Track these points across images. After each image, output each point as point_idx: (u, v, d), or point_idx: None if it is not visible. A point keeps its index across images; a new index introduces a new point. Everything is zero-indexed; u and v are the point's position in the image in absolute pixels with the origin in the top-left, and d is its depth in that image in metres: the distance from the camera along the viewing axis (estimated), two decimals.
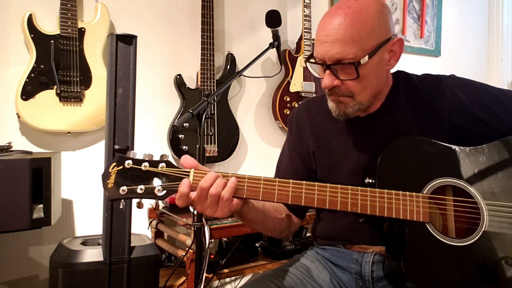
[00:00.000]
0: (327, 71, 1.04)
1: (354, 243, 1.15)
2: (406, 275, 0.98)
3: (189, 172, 0.92)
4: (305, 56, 2.41)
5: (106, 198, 1.06)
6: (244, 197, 0.93)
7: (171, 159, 2.24)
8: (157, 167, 0.91)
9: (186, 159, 0.94)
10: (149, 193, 0.89)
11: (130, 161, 0.91)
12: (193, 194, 0.90)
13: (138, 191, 0.89)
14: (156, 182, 0.90)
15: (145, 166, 0.90)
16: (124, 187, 0.89)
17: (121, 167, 0.90)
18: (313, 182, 0.96)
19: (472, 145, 1.06)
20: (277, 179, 0.95)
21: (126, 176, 0.90)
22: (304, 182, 0.96)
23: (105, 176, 0.91)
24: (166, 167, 0.91)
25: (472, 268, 0.99)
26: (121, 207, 0.93)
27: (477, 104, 1.09)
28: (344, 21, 1.00)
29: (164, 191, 0.90)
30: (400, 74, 1.18)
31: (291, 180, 0.96)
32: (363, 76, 1.03)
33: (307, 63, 1.15)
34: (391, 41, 1.06)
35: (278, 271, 1.17)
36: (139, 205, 0.93)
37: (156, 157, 0.93)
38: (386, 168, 1.03)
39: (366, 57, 1.01)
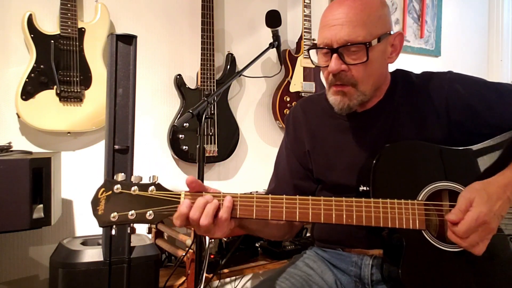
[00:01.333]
0: (334, 55, 1.03)
1: (353, 247, 1.15)
2: (404, 283, 0.97)
3: (179, 195, 0.90)
4: (305, 56, 2.41)
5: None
6: (238, 216, 0.92)
7: (170, 160, 2.25)
8: (147, 191, 0.89)
9: (191, 182, 0.91)
10: (141, 219, 0.88)
11: (118, 186, 0.89)
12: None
13: (129, 217, 0.88)
14: (147, 207, 0.88)
15: (134, 190, 0.89)
16: (115, 213, 0.88)
17: (110, 192, 0.89)
18: (307, 196, 0.95)
19: (469, 143, 1.05)
20: (269, 195, 0.93)
21: (116, 201, 0.88)
22: (297, 197, 0.94)
23: (94, 202, 0.89)
24: (156, 190, 0.90)
25: (470, 273, 0.98)
26: (113, 233, 0.92)
27: (476, 97, 1.08)
28: (354, 5, 1.02)
29: (156, 216, 0.89)
30: (398, 72, 1.18)
31: (284, 196, 0.94)
32: (370, 62, 1.02)
33: (310, 52, 1.14)
34: (393, 34, 1.08)
35: (282, 273, 1.16)
36: (132, 231, 0.91)
37: (146, 178, 0.91)
38: (380, 175, 1.01)
39: (376, 40, 1.02)
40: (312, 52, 1.15)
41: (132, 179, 0.90)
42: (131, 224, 0.91)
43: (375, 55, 1.03)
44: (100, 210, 0.88)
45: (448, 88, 1.10)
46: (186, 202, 0.88)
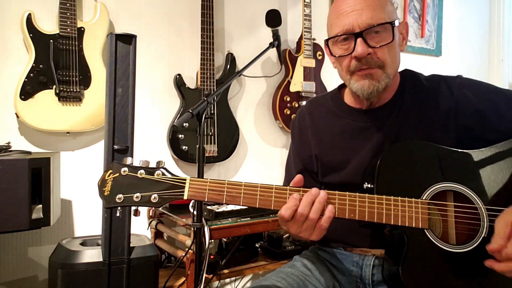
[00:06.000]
0: (359, 40, 1.02)
1: (355, 246, 1.14)
2: (405, 282, 0.97)
3: (185, 180, 0.92)
4: (305, 55, 2.41)
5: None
6: (241, 204, 0.93)
7: (170, 160, 2.24)
8: (153, 175, 0.91)
9: (300, 181, 0.98)
10: (146, 201, 0.90)
11: (126, 169, 0.91)
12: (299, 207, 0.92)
13: (135, 199, 0.90)
14: (153, 190, 0.91)
15: (141, 173, 0.91)
16: (120, 195, 0.90)
17: (117, 174, 0.91)
18: (310, 189, 0.95)
19: (476, 147, 1.04)
20: (274, 185, 0.94)
21: (123, 183, 0.91)
22: (301, 188, 0.95)
23: (101, 183, 0.92)
24: (162, 174, 0.92)
25: (471, 275, 0.97)
26: (117, 214, 0.93)
27: (486, 103, 1.08)
28: None
29: (161, 199, 0.91)
30: (406, 73, 1.17)
31: (288, 187, 0.95)
32: (393, 43, 1.04)
33: (329, 42, 1.07)
34: (401, 22, 1.10)
35: (279, 273, 1.16)
36: (136, 213, 0.94)
37: (153, 164, 0.93)
38: (385, 174, 1.01)
39: (397, 21, 1.04)
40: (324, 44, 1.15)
41: (139, 163, 0.93)
42: (136, 207, 0.93)
43: (396, 37, 1.05)
44: (106, 191, 0.90)
45: (458, 93, 1.09)
46: (296, 196, 0.92)
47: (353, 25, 1.01)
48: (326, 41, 1.09)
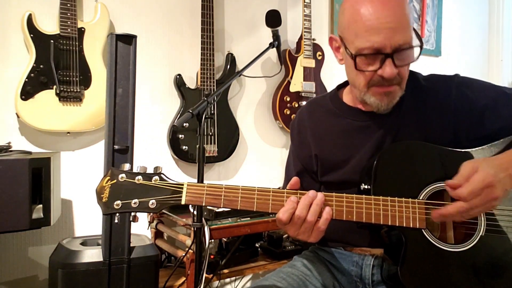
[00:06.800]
0: (389, 61, 0.98)
1: (354, 245, 1.15)
2: (404, 283, 0.97)
3: (182, 185, 0.93)
4: (305, 56, 2.41)
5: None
6: (239, 208, 0.94)
7: (170, 160, 2.24)
8: (151, 180, 0.92)
9: (296, 184, 0.98)
10: (143, 207, 0.91)
11: (123, 175, 0.92)
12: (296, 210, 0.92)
13: (132, 205, 0.91)
14: (150, 196, 0.91)
15: (138, 179, 0.92)
16: (118, 201, 0.91)
17: (115, 180, 0.92)
18: (307, 191, 0.95)
19: (473, 146, 1.04)
20: (271, 188, 0.95)
21: (120, 190, 0.91)
22: (298, 191, 0.95)
23: (99, 190, 0.92)
24: (160, 180, 0.93)
25: (470, 273, 0.98)
26: (116, 221, 0.93)
27: (483, 101, 1.08)
28: (399, 6, 0.98)
29: (158, 205, 0.91)
30: None
31: (285, 190, 0.95)
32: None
33: (357, 58, 1.00)
34: None
35: (279, 273, 1.16)
36: (134, 219, 0.95)
37: (150, 169, 0.94)
38: (382, 174, 1.01)
39: (418, 41, 1.02)
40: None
41: (137, 169, 0.93)
42: (134, 213, 0.94)
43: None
44: (104, 198, 0.91)
45: (456, 92, 1.09)
46: (294, 198, 0.93)
47: (385, 45, 0.97)
48: (354, 57, 1.01)
